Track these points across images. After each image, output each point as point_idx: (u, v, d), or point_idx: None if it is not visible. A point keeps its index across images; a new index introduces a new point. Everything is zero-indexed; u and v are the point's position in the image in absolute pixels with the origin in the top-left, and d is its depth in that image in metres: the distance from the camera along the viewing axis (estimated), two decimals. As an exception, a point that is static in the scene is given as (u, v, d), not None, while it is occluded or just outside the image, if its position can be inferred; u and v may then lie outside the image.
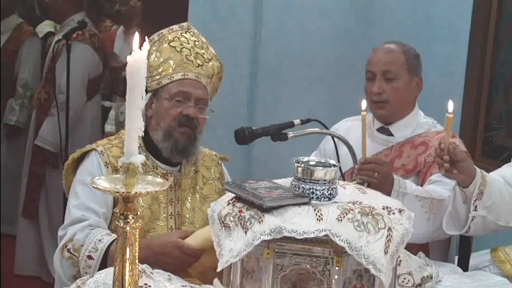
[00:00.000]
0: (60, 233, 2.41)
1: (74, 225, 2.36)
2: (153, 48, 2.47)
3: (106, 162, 2.40)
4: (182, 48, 2.48)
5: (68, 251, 2.33)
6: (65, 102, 3.94)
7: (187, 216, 2.50)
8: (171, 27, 2.52)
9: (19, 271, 4.53)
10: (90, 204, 2.37)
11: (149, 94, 2.47)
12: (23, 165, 4.61)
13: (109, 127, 4.61)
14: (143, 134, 2.42)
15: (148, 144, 2.48)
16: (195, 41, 2.52)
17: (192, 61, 2.48)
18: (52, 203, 4.43)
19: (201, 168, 2.58)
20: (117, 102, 4.63)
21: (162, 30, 2.50)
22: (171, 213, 2.47)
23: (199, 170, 2.56)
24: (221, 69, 2.59)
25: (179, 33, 2.50)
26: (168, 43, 2.47)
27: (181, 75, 2.46)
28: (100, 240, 2.27)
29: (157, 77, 2.46)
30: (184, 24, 2.55)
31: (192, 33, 2.55)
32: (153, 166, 2.47)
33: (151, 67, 2.45)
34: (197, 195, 2.54)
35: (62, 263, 2.34)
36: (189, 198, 2.52)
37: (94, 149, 2.45)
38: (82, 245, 2.30)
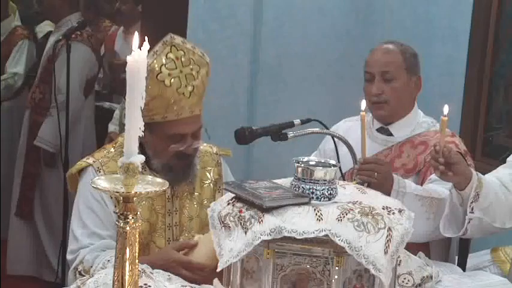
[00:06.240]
0: (69, 257, 2.41)
1: (82, 250, 2.37)
2: None
3: None
4: (171, 79, 2.26)
5: (79, 273, 2.33)
6: (65, 103, 3.95)
7: (185, 225, 2.48)
8: (154, 49, 2.27)
9: (11, 271, 4.51)
10: (95, 230, 2.37)
11: None
12: (14, 165, 4.61)
13: (112, 127, 4.60)
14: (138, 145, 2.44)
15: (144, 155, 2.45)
16: (181, 57, 2.30)
17: (183, 93, 2.29)
18: (50, 203, 4.43)
19: (199, 170, 2.51)
20: (122, 102, 4.63)
21: (147, 59, 2.22)
22: (169, 224, 2.45)
23: (196, 173, 2.49)
24: (209, 68, 2.41)
25: (164, 56, 2.27)
26: (156, 76, 2.24)
27: (175, 115, 2.31)
28: (109, 260, 2.25)
29: (148, 113, 2.24)
30: (167, 39, 2.30)
31: (176, 47, 2.30)
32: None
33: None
34: (194, 202, 2.50)
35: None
36: (186, 205, 2.48)
37: (91, 164, 2.41)
38: (91, 266, 2.30)
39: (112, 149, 2.47)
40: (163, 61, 2.27)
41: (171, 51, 2.29)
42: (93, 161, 2.42)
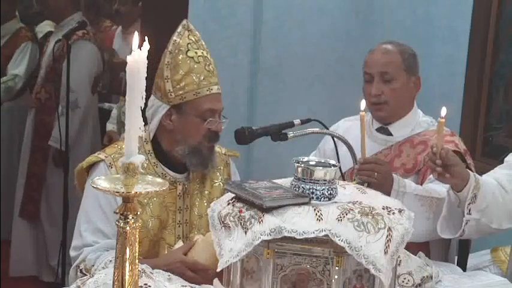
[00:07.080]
0: (72, 253, 2.41)
1: (86, 248, 2.37)
2: (172, 60, 2.40)
3: None
4: (199, 57, 2.42)
5: (81, 271, 2.34)
6: (68, 102, 3.96)
7: (195, 223, 2.50)
8: (177, 30, 2.44)
9: (14, 273, 4.50)
10: (100, 225, 2.38)
11: (167, 106, 2.42)
12: (14, 165, 4.61)
13: (111, 126, 4.63)
14: (151, 140, 2.44)
15: (157, 151, 2.47)
16: (197, 40, 2.46)
17: (209, 71, 2.43)
18: (53, 203, 4.42)
19: (209, 170, 2.54)
20: (120, 101, 4.66)
21: (174, 38, 2.43)
22: (179, 221, 2.47)
23: (206, 172, 2.53)
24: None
25: (187, 37, 2.43)
26: (186, 53, 2.41)
27: (207, 90, 2.41)
28: (111, 260, 2.24)
29: (180, 92, 2.40)
30: (184, 22, 2.47)
31: (192, 31, 2.47)
32: (162, 174, 2.44)
33: (174, 81, 2.39)
34: (204, 201, 2.52)
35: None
36: (196, 203, 2.51)
37: (102, 160, 2.43)
38: (93, 265, 2.31)
39: (124, 146, 2.48)
40: (188, 41, 2.43)
41: (190, 34, 2.45)
42: (105, 156, 2.44)
